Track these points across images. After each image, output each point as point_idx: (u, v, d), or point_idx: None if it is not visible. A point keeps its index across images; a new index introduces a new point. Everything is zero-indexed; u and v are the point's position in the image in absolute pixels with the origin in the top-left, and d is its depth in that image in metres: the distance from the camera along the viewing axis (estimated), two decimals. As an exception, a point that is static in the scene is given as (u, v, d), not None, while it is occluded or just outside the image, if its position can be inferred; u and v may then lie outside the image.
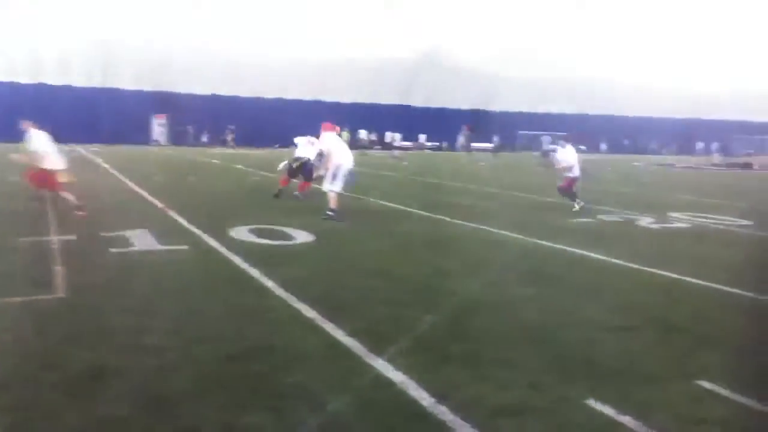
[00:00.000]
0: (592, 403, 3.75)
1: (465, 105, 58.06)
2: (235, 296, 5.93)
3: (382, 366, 4.22)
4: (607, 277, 7.31)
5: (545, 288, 6.58)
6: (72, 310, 5.35)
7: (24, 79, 45.62)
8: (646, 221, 12.15)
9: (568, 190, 13.50)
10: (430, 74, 57.01)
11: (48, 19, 45.45)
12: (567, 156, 13.53)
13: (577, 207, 13.04)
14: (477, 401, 3.76)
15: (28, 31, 45.01)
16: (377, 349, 4.50)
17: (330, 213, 10.84)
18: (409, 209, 12.81)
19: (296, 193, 14.10)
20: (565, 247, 8.93)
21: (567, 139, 14.09)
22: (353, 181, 11.62)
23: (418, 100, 57.34)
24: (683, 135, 64.92)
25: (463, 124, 51.57)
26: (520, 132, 58.24)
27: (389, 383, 3.97)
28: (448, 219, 11.48)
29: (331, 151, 11.26)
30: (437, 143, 54.28)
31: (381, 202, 14.06)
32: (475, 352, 4.59)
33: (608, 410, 3.66)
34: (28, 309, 5.33)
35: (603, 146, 61.48)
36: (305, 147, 14.49)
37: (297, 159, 14.43)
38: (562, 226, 11.03)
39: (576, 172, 13.38)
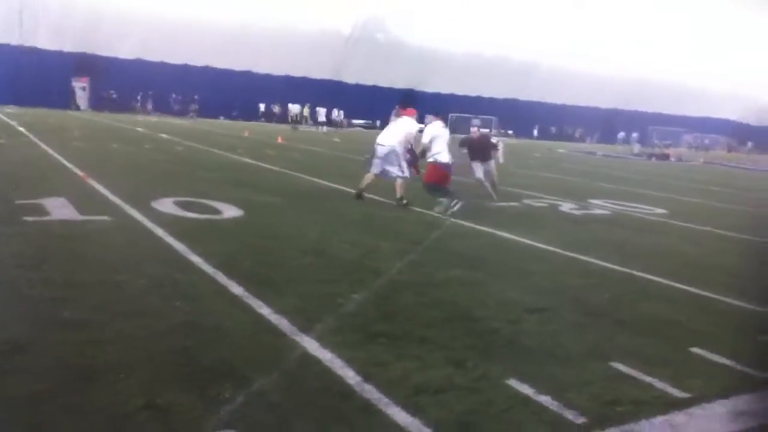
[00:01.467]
0: (512, 382, 3.87)
1: (399, 84, 58.10)
2: (160, 271, 5.76)
3: (309, 344, 4.21)
4: (530, 260, 7.53)
5: (470, 269, 6.71)
6: (-19, 281, 5.08)
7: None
8: (568, 207, 12.57)
9: (440, 183, 10.29)
10: (364, 49, 56.64)
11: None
12: (426, 135, 10.56)
13: (449, 208, 9.96)
14: (402, 379, 3.80)
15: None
16: (304, 327, 4.48)
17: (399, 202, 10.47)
18: (339, 187, 12.76)
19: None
20: (490, 230, 9.13)
21: (437, 115, 11.16)
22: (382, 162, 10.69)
23: (350, 76, 56.96)
24: (606, 124, 67.37)
25: (396, 104, 51.78)
26: (451, 114, 58.93)
27: (316, 361, 3.97)
28: (377, 198, 11.51)
29: None
30: (369, 121, 54.28)
31: (310, 178, 13.96)
32: (402, 331, 4.64)
33: (527, 389, 3.78)
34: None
35: (535, 132, 63.15)
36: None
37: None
38: (488, 209, 11.26)
39: (441, 157, 10.27)
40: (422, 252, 7.37)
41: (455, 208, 9.92)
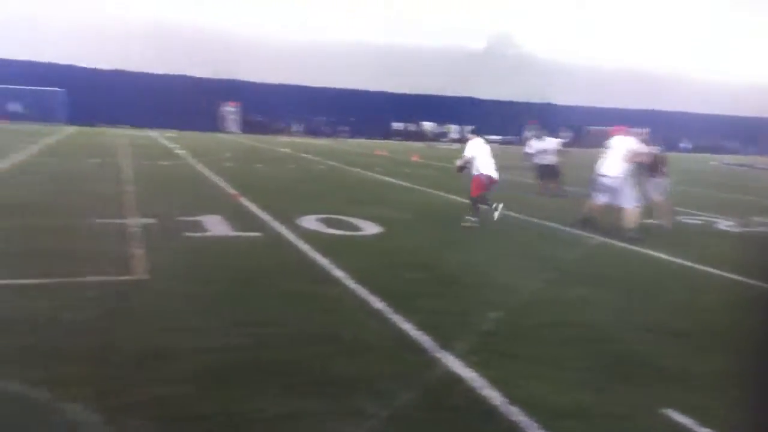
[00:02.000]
0: (668, 412, 3.63)
1: (534, 98, 57.04)
2: (304, 284, 6.02)
3: (451, 361, 4.20)
4: (678, 280, 7.07)
5: (611, 289, 6.42)
6: (148, 291, 5.55)
7: (104, 66, 47.58)
8: (725, 224, 11.67)
9: (478, 195, 10.31)
10: (497, 65, 56.24)
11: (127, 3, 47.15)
12: (467, 151, 10.58)
13: (471, 221, 10.03)
14: (543, 402, 3.70)
15: (107, 16, 46.76)
16: (446, 345, 4.48)
17: (632, 234, 9.32)
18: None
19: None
20: (637, 248, 8.67)
21: (474, 132, 11.62)
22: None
23: (484, 92, 56.64)
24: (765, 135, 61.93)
25: (529, 118, 50.82)
26: (589, 127, 56.85)
27: (458, 380, 3.95)
28: (513, 214, 11.32)
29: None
30: (506, 137, 53.58)
31: (446, 195, 13.98)
32: (539, 351, 4.53)
33: (686, 421, 3.53)
34: (108, 288, 5.55)
35: (684, 144, 59.35)
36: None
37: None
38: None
39: (483, 170, 10.28)
40: (559, 270, 7.14)
41: (498, 211, 10.27)
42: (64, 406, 3.35)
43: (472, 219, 10.10)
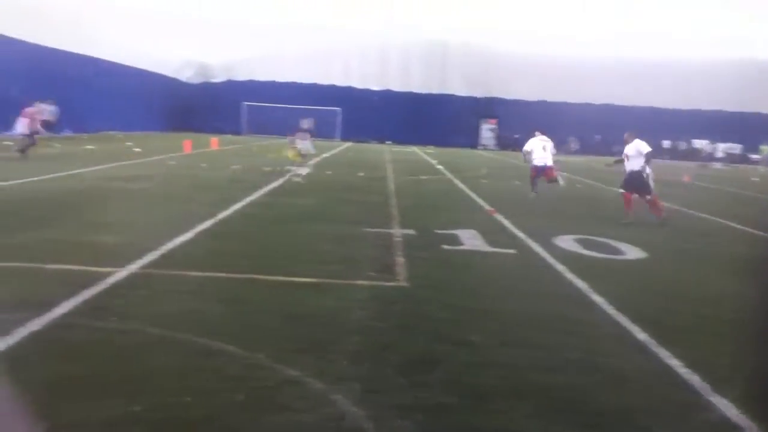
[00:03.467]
0: None
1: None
2: (560, 307, 5.87)
3: (726, 407, 3.79)
4: None
5: None
6: (409, 299, 5.86)
7: (374, 87, 51.81)
8: None
9: (532, 178, 15.34)
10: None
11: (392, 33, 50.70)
12: (527, 146, 15.62)
13: (531, 195, 14.89)
14: None
15: (375, 44, 50.71)
16: (719, 388, 4.04)
17: None
18: (754, 231, 11.25)
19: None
20: None
21: (541, 131, 15.65)
22: None
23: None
24: None
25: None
26: None
27: (735, 427, 3.54)
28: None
29: None
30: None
31: (727, 222, 12.57)
32: None
33: None
34: (375, 292, 5.99)
35: None
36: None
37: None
38: None
39: (536, 161, 15.10)
40: None
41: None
42: (335, 398, 3.67)
43: (533, 194, 14.89)
